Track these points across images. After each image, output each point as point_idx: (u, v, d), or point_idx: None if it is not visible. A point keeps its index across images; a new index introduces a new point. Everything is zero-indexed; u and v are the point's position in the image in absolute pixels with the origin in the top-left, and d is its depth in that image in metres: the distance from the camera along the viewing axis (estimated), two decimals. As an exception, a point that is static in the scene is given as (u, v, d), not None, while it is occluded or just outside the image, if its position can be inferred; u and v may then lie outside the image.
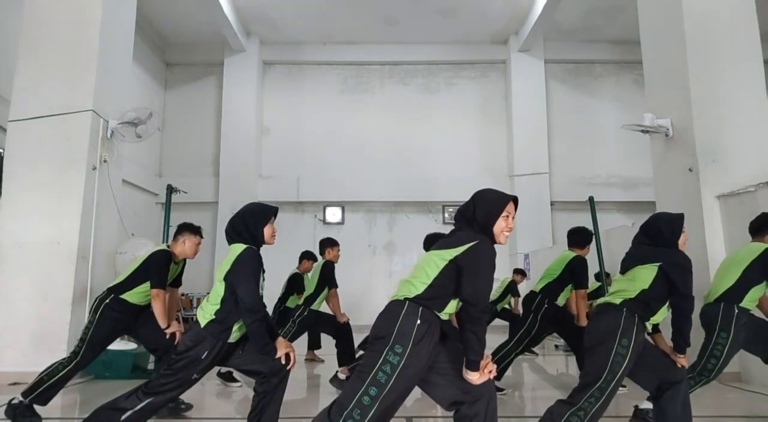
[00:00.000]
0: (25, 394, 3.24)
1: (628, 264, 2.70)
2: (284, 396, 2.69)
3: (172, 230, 5.30)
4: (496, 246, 2.11)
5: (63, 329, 4.80)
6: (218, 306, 2.53)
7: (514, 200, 2.18)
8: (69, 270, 4.92)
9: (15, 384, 4.54)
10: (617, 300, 2.53)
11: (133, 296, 3.50)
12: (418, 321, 1.97)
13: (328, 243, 5.22)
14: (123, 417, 2.43)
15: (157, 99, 11.65)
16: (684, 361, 2.61)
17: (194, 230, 3.64)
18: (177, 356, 2.50)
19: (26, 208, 5.01)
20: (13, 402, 3.23)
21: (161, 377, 2.50)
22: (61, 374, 3.32)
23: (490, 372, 2.00)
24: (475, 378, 1.97)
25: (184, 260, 3.73)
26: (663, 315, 2.59)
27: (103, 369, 4.86)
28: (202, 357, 2.48)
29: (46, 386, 3.28)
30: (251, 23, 11.33)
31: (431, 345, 1.99)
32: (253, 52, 11.77)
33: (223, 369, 4.76)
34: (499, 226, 2.09)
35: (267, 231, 2.65)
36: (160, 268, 3.45)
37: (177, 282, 3.74)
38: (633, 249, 2.76)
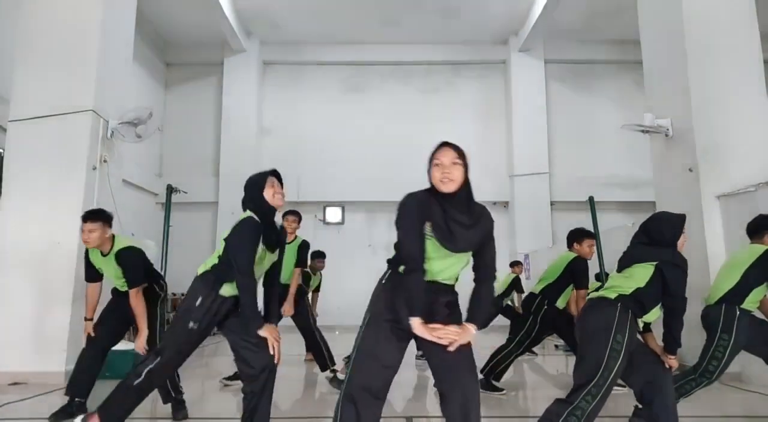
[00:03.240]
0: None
1: (625, 262, 2.70)
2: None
3: (173, 230, 5.34)
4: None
5: (63, 329, 4.80)
6: (216, 262, 2.67)
7: (451, 147, 2.08)
8: (69, 270, 4.92)
9: (15, 384, 4.54)
10: (612, 295, 2.53)
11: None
12: (383, 283, 2.16)
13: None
14: (136, 382, 2.58)
15: (157, 99, 11.64)
16: (674, 362, 2.61)
17: None
18: (176, 311, 2.62)
19: (26, 207, 5.01)
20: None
21: (163, 337, 2.62)
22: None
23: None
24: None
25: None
26: (656, 315, 2.59)
27: (103, 368, 4.84)
28: (196, 304, 2.60)
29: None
30: (251, 23, 11.33)
31: (384, 309, 2.10)
32: (253, 52, 11.78)
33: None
34: (435, 176, 2.06)
35: (267, 194, 2.68)
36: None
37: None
38: (631, 247, 2.76)
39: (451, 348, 1.95)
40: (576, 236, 4.42)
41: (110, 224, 3.49)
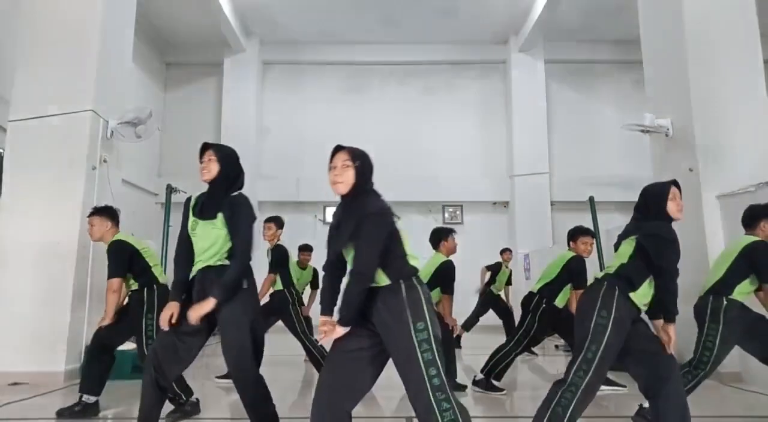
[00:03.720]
0: None
1: (618, 242, 2.71)
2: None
3: (172, 230, 5.32)
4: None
5: (63, 329, 4.80)
6: None
7: (344, 150, 2.26)
8: (69, 270, 4.92)
9: (15, 384, 4.54)
10: (600, 276, 2.57)
11: None
12: None
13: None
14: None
15: (156, 99, 11.65)
16: (671, 331, 2.48)
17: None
18: None
19: (26, 207, 5.01)
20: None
21: None
22: None
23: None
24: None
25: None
26: (648, 290, 2.49)
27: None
28: None
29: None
30: (251, 23, 11.33)
31: None
32: (253, 52, 11.77)
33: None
34: (329, 181, 2.19)
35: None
36: None
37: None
38: (626, 226, 2.75)
39: (322, 338, 2.06)
40: (572, 234, 4.45)
41: (111, 218, 3.66)
